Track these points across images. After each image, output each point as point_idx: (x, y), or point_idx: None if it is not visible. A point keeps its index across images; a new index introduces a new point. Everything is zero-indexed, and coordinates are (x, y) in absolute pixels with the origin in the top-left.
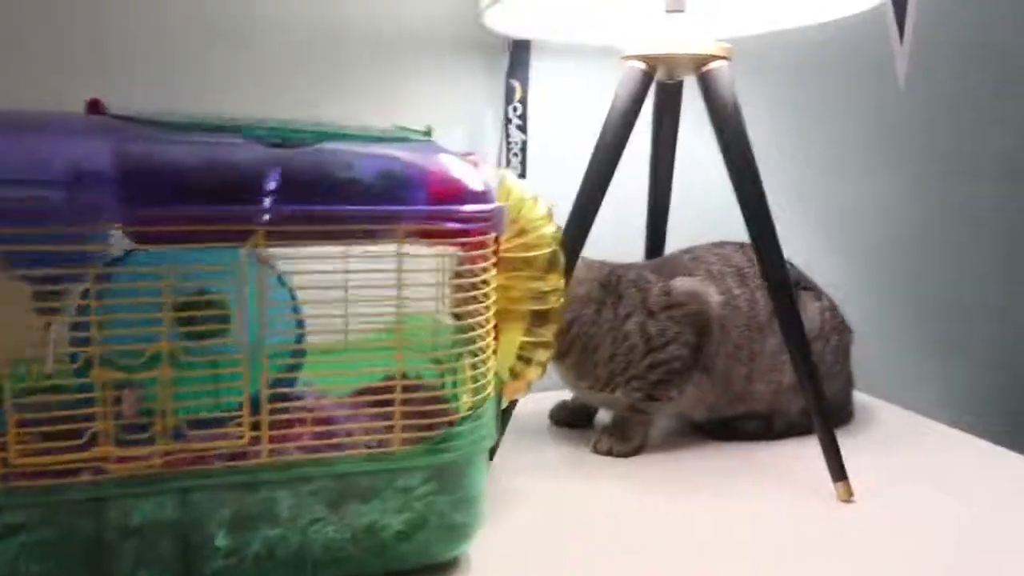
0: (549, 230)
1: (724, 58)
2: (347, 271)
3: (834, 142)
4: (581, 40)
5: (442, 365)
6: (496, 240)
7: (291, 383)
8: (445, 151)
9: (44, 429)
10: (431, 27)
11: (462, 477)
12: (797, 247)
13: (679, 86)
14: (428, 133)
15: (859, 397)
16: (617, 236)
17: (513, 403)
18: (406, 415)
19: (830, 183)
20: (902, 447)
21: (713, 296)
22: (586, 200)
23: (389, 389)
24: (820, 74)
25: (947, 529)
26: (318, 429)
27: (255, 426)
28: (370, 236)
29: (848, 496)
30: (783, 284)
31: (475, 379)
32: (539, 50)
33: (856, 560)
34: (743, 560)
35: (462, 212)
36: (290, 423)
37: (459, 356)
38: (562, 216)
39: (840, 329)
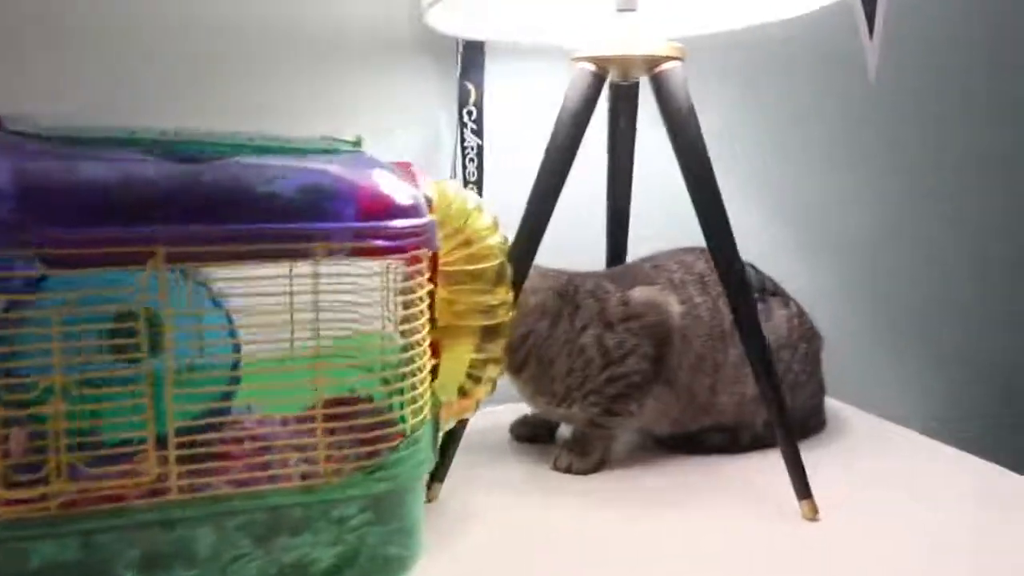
0: (495, 241)
1: (677, 58)
2: (291, 291)
3: (802, 140)
4: (529, 41)
5: (387, 386)
6: (435, 255)
7: (224, 411)
8: (376, 162)
9: None
10: (378, 28)
11: (399, 505)
12: (763, 250)
13: (635, 87)
14: (358, 143)
15: (831, 404)
16: (578, 244)
17: (463, 422)
18: (345, 441)
19: (798, 182)
20: (872, 456)
21: (674, 306)
22: (537, 207)
23: (329, 412)
24: (786, 72)
25: (915, 543)
26: (249, 461)
27: (181, 459)
28: (289, 255)
29: (813, 514)
30: (741, 292)
31: (412, 400)
32: (494, 51)
33: None
34: None
35: (387, 228)
36: (222, 455)
37: (399, 377)
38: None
39: (809, 336)
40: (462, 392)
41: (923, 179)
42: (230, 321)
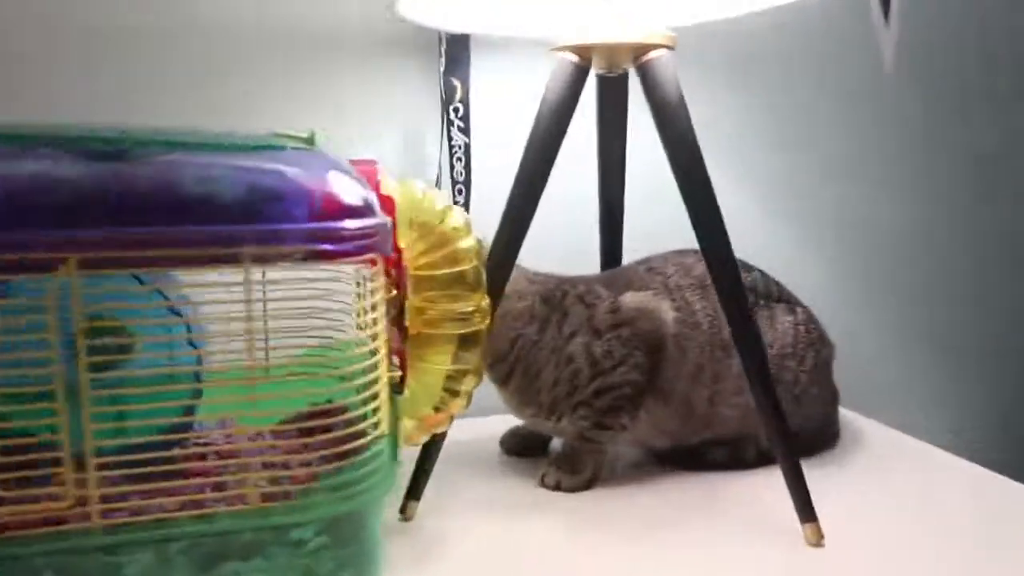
0: (468, 244)
1: (665, 47)
2: (249, 299)
3: (812, 136)
4: (506, 31)
5: (340, 400)
6: (399, 260)
7: (184, 427)
8: (328, 160)
9: None
10: (356, 23)
11: (357, 527)
12: (772, 253)
13: (623, 79)
14: (311, 140)
15: (847, 415)
16: (571, 246)
17: (441, 436)
18: (295, 459)
19: (809, 181)
20: (886, 473)
21: (667, 312)
22: (517, 208)
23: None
24: (793, 62)
25: (928, 573)
26: (201, 480)
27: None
28: (219, 261)
29: (817, 539)
30: (735, 296)
31: (366, 416)
32: (480, 45)
33: None
34: None
35: (330, 231)
36: (171, 473)
37: (351, 390)
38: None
39: (817, 345)
40: (437, 406)
41: (945, 177)
42: (190, 330)
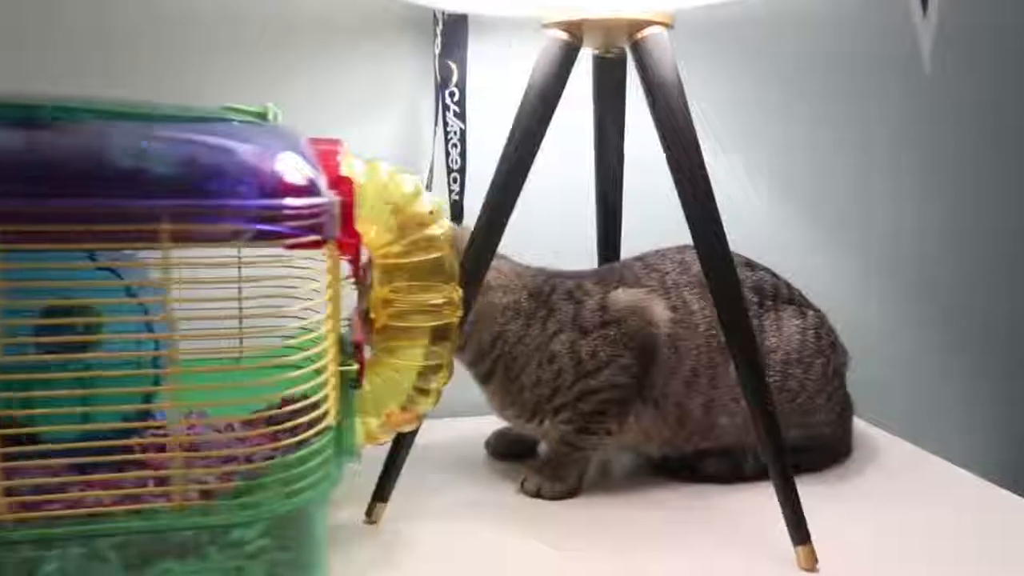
0: (437, 231)
1: (662, 24)
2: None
3: (840, 131)
4: (496, 8)
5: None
6: (355, 245)
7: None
8: (278, 135)
9: None
10: (349, 3)
11: (301, 531)
12: (790, 252)
13: (622, 60)
14: (263, 114)
15: (867, 430)
16: (570, 240)
17: (410, 435)
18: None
19: (834, 179)
20: (900, 494)
21: (659, 312)
22: (499, 193)
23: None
24: (819, 53)
25: None
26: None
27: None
28: (139, 238)
29: (810, 564)
30: (731, 296)
31: (307, 409)
32: (477, 26)
33: None
34: None
35: (267, 209)
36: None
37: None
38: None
39: (827, 352)
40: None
41: (985, 176)
42: (146, 312)
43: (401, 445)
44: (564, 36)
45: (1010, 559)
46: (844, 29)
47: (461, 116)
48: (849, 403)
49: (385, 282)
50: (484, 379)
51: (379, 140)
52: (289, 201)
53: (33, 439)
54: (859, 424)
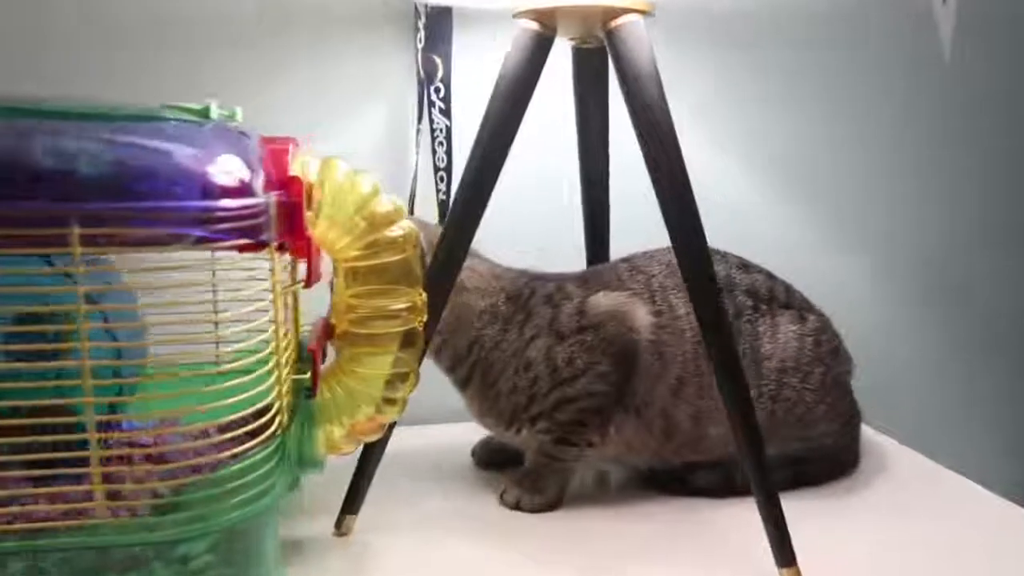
0: (397, 232)
1: (638, 11)
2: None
3: (855, 124)
4: (477, 2)
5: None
6: (306, 247)
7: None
8: (212, 135)
9: None
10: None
11: (248, 546)
12: (796, 252)
13: (601, 50)
14: (205, 112)
15: (880, 441)
16: (559, 241)
17: (380, 445)
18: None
19: (846, 175)
20: (906, 510)
21: (641, 317)
22: (470, 191)
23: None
24: (824, 46)
25: None
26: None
27: None
28: (49, 243)
29: None
30: (707, 297)
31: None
32: (462, 19)
33: None
34: None
35: (186, 211)
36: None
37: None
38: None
39: (828, 360)
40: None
41: (1004, 176)
42: (106, 319)
43: (371, 454)
44: (535, 26)
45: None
46: (860, 20)
47: (447, 113)
48: (855, 412)
49: (346, 286)
50: (462, 385)
51: (365, 139)
52: (219, 203)
53: None
54: (867, 432)
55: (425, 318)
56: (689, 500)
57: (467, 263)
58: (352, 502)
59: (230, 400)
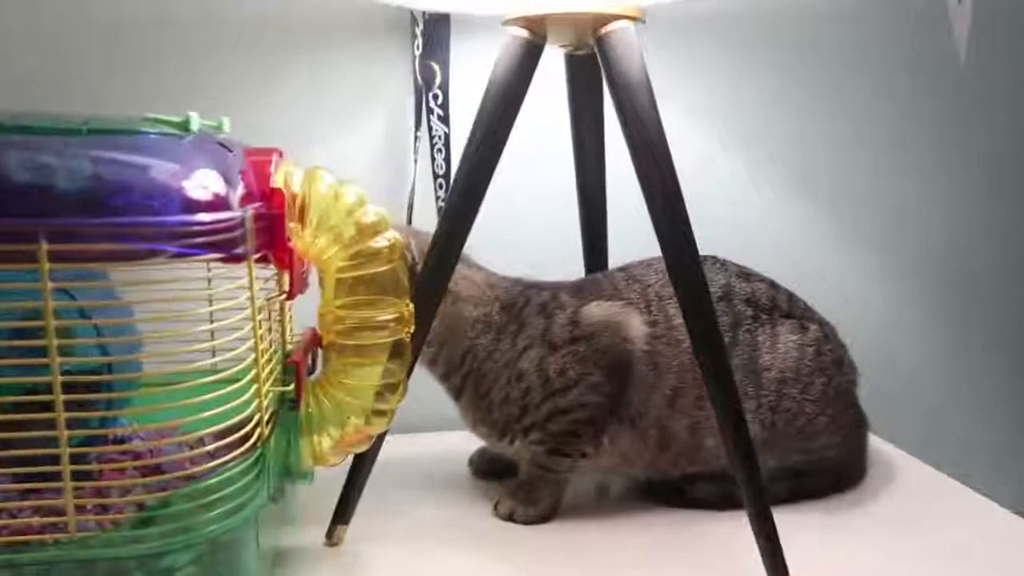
0: (382, 243)
1: (628, 17)
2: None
3: (857, 123)
4: (451, 5)
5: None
6: (288, 258)
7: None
8: (189, 148)
9: None
10: (321, 4)
11: (230, 558)
12: (805, 257)
13: (594, 58)
14: (186, 125)
15: (890, 452)
16: (558, 249)
17: (371, 455)
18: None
19: (850, 176)
20: (912, 523)
21: (636, 327)
22: (460, 200)
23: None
24: (834, 47)
25: None
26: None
27: None
28: (17, 259)
29: None
30: (698, 307)
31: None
32: (460, 25)
33: None
34: None
35: (159, 226)
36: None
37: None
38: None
39: (830, 370)
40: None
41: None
42: (99, 334)
43: (362, 464)
44: (525, 33)
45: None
46: (863, 20)
47: (445, 119)
48: (861, 422)
49: (333, 297)
50: (456, 395)
51: (363, 145)
52: (193, 218)
53: None
54: (874, 441)
55: (412, 329)
56: (687, 512)
57: (463, 272)
58: (343, 512)
59: (207, 413)
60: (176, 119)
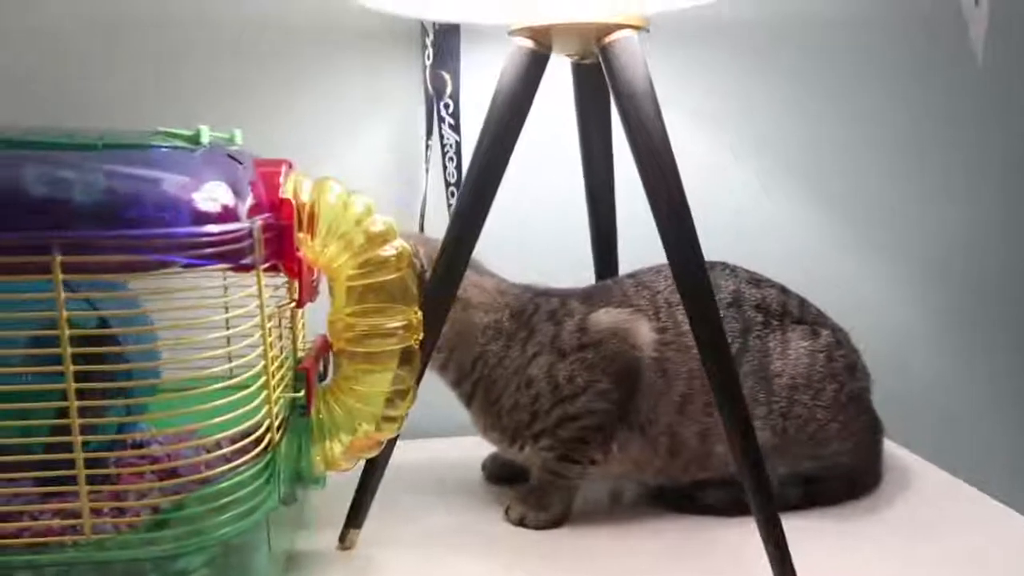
0: (390, 252)
1: (631, 27)
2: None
3: (876, 129)
4: (461, 16)
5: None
6: (297, 268)
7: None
8: (199, 161)
9: None
10: (328, 14)
11: (238, 558)
12: (818, 261)
13: (600, 66)
14: (196, 138)
15: (896, 454)
16: (570, 256)
17: (382, 460)
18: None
19: (862, 180)
20: (927, 530)
21: (644, 334)
22: (466, 212)
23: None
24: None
25: None
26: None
27: None
28: (31, 270)
29: None
30: (705, 314)
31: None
32: (470, 35)
33: None
34: None
35: (168, 238)
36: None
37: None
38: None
39: (842, 376)
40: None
41: None
42: (119, 343)
43: (374, 469)
44: (530, 44)
45: None
46: (883, 23)
47: (456, 128)
48: (876, 428)
49: (342, 305)
50: (467, 401)
51: (375, 155)
52: (201, 229)
53: None
54: (889, 447)
55: (421, 336)
56: (698, 518)
57: (474, 279)
58: (355, 516)
59: (219, 418)
60: (187, 132)
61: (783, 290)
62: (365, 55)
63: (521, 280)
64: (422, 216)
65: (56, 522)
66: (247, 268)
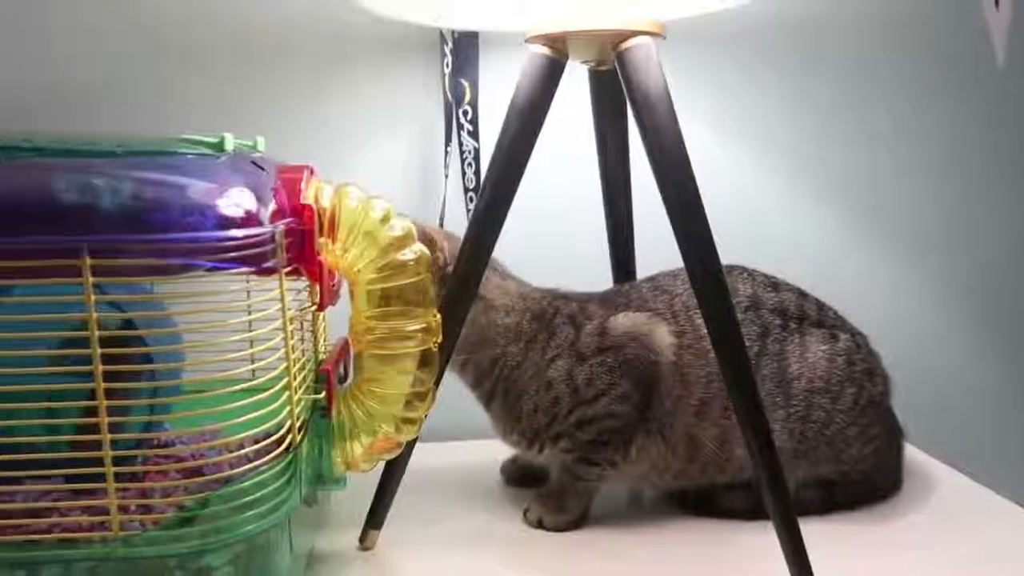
0: (408, 256)
1: (648, 33)
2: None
3: (914, 138)
4: (489, 26)
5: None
6: (318, 271)
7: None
8: (222, 167)
9: None
10: (345, 23)
11: (259, 557)
12: (840, 265)
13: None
14: (220, 145)
15: (918, 459)
16: (587, 260)
17: (402, 461)
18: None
19: (887, 181)
20: (948, 539)
21: (662, 337)
22: (484, 217)
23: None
24: (870, 51)
25: None
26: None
27: None
28: (62, 273)
29: None
30: (721, 316)
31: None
32: (488, 43)
33: None
34: None
35: (191, 242)
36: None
37: (230, 412)
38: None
39: (861, 380)
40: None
41: None
42: (144, 344)
43: (394, 470)
44: (547, 51)
45: None
46: (906, 25)
47: (475, 135)
48: (896, 432)
49: (362, 308)
50: (486, 402)
51: (395, 160)
52: (225, 234)
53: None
54: (910, 452)
55: (440, 339)
56: (717, 521)
57: (496, 281)
58: (375, 517)
59: (242, 418)
60: (212, 139)
61: (801, 294)
62: (385, 64)
63: (539, 284)
64: (441, 221)
65: (85, 519)
66: (269, 272)
